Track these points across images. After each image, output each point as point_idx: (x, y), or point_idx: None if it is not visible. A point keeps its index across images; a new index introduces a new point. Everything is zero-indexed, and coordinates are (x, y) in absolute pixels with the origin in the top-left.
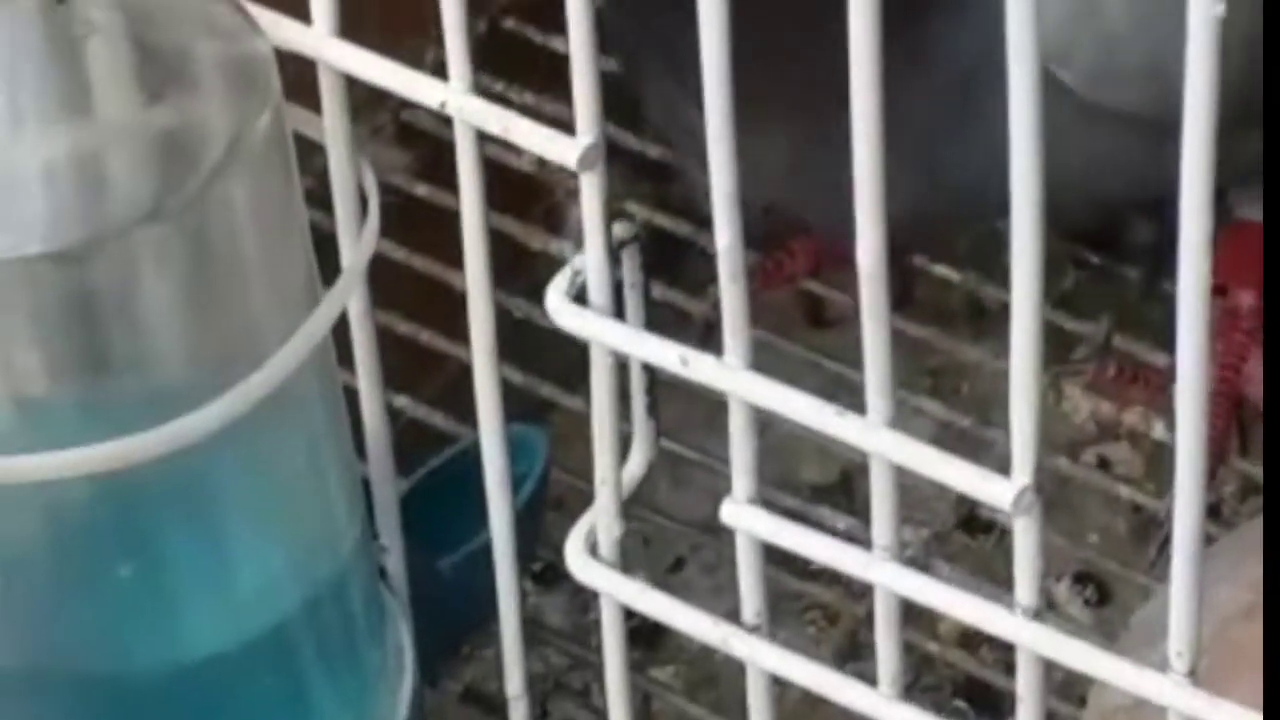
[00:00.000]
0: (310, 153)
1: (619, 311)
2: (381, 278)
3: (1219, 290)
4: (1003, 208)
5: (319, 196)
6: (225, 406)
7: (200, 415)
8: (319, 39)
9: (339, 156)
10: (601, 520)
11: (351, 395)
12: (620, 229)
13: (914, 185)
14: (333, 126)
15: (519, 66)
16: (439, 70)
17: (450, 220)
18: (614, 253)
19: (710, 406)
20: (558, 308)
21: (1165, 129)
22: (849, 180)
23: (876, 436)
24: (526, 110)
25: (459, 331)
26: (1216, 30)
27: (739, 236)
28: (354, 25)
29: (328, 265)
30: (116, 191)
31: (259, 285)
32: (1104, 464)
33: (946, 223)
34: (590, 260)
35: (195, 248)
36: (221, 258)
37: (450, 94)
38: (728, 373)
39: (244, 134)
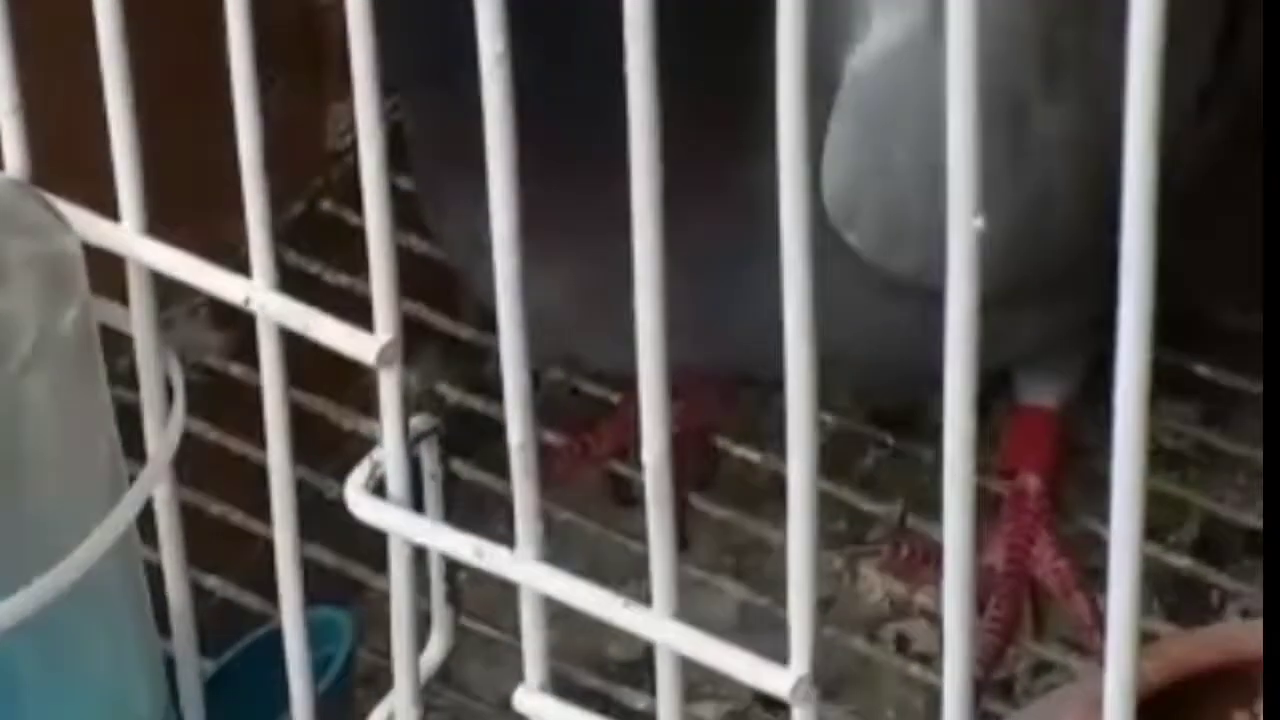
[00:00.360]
0: (122, 334)
1: (420, 500)
2: (194, 458)
3: (1008, 473)
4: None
5: (135, 376)
6: (26, 599)
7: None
8: (128, 236)
9: (145, 349)
10: (399, 706)
11: (158, 571)
12: (419, 421)
13: (696, 341)
14: (140, 321)
15: (335, 247)
16: None
17: (262, 401)
18: (413, 445)
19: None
20: (356, 500)
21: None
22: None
23: (661, 627)
24: (341, 291)
25: (269, 512)
26: (975, 241)
27: (531, 436)
28: (168, 204)
29: (143, 445)
30: None
31: (61, 478)
32: (902, 641)
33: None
34: (389, 453)
35: (1, 441)
36: (24, 451)
37: (254, 291)
38: (520, 564)
39: (51, 329)
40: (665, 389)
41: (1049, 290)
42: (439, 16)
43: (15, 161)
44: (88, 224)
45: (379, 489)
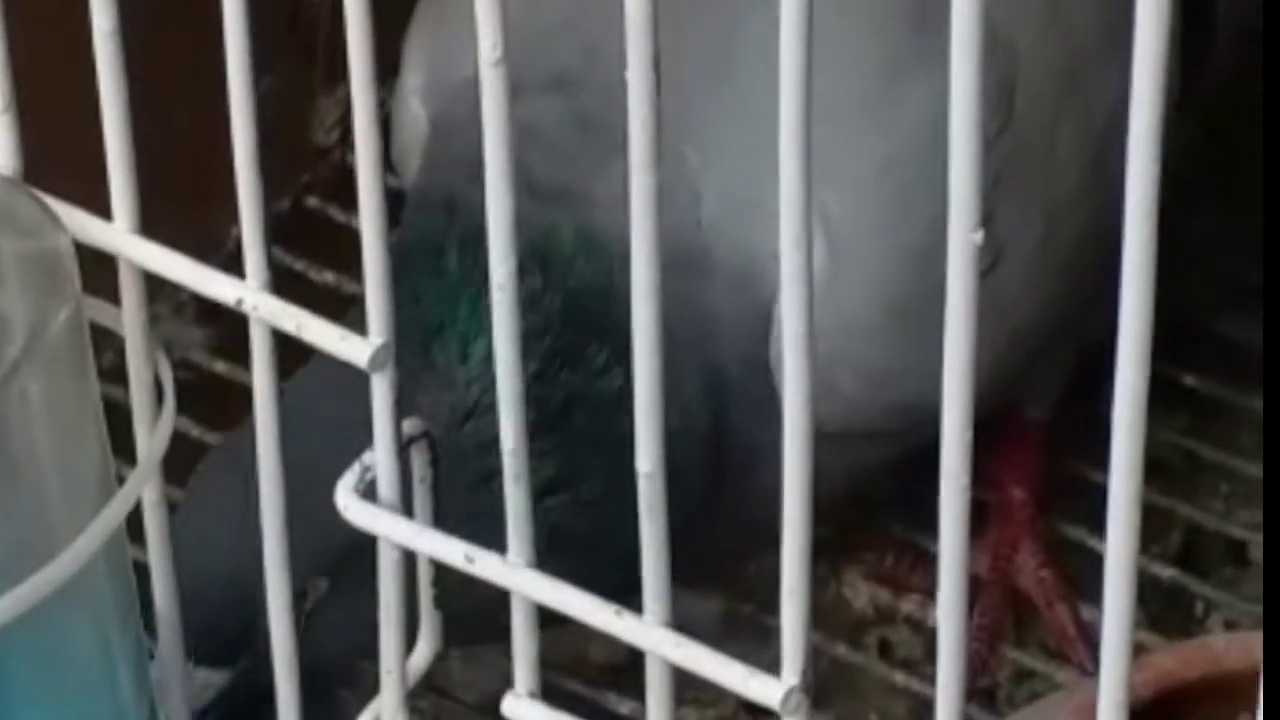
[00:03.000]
0: (109, 331)
1: (409, 505)
2: (176, 454)
3: (994, 483)
4: None
5: (119, 372)
6: (16, 598)
7: None
8: (119, 235)
9: (135, 350)
10: (386, 710)
11: (144, 570)
12: (410, 426)
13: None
14: (131, 320)
15: (320, 244)
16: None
17: (248, 398)
18: (403, 449)
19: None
20: (346, 504)
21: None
22: None
23: (652, 635)
24: (328, 289)
25: None
26: (975, 255)
27: (523, 441)
28: (155, 197)
29: (126, 441)
30: None
31: (52, 477)
32: (885, 647)
33: None
34: (379, 457)
35: None
36: (16, 451)
37: (246, 292)
38: (512, 570)
39: (43, 329)
40: (660, 399)
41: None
42: None
43: (7, 158)
44: (79, 222)
45: (369, 492)
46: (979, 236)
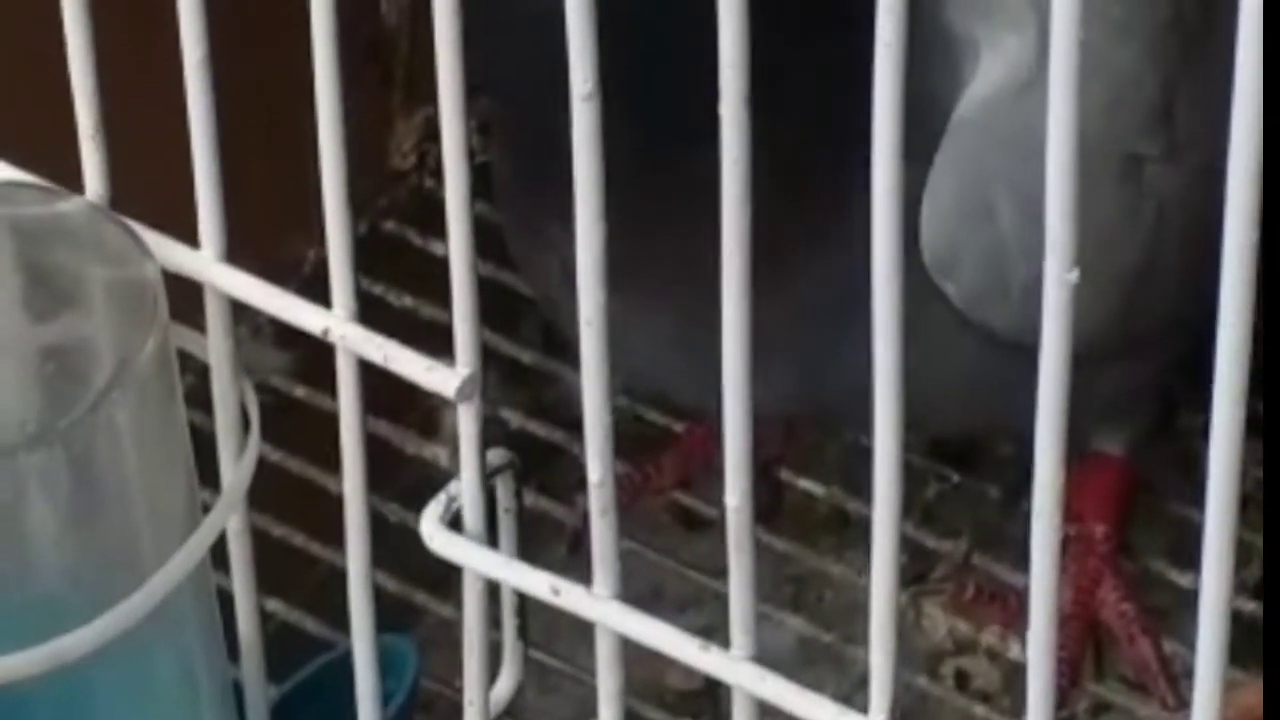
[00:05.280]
0: (189, 353)
1: (493, 534)
2: (255, 479)
3: (1075, 517)
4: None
5: (200, 396)
6: (105, 625)
7: (80, 634)
8: (207, 264)
9: (222, 377)
10: None
11: (224, 596)
12: (495, 456)
13: (788, 389)
14: (217, 348)
15: (398, 269)
16: (321, 271)
17: (326, 422)
18: (488, 479)
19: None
20: (432, 533)
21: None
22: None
23: (739, 670)
24: (405, 315)
25: (331, 534)
26: (1071, 294)
27: (610, 472)
28: (234, 221)
29: (206, 467)
30: (2, 412)
31: (141, 504)
32: (962, 678)
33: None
34: (465, 488)
35: (80, 469)
36: (105, 478)
37: (333, 321)
38: (597, 603)
39: (131, 357)
40: (749, 434)
41: (1137, 346)
42: (540, 47)
43: (95, 185)
44: (167, 250)
45: (454, 522)
46: (1074, 276)
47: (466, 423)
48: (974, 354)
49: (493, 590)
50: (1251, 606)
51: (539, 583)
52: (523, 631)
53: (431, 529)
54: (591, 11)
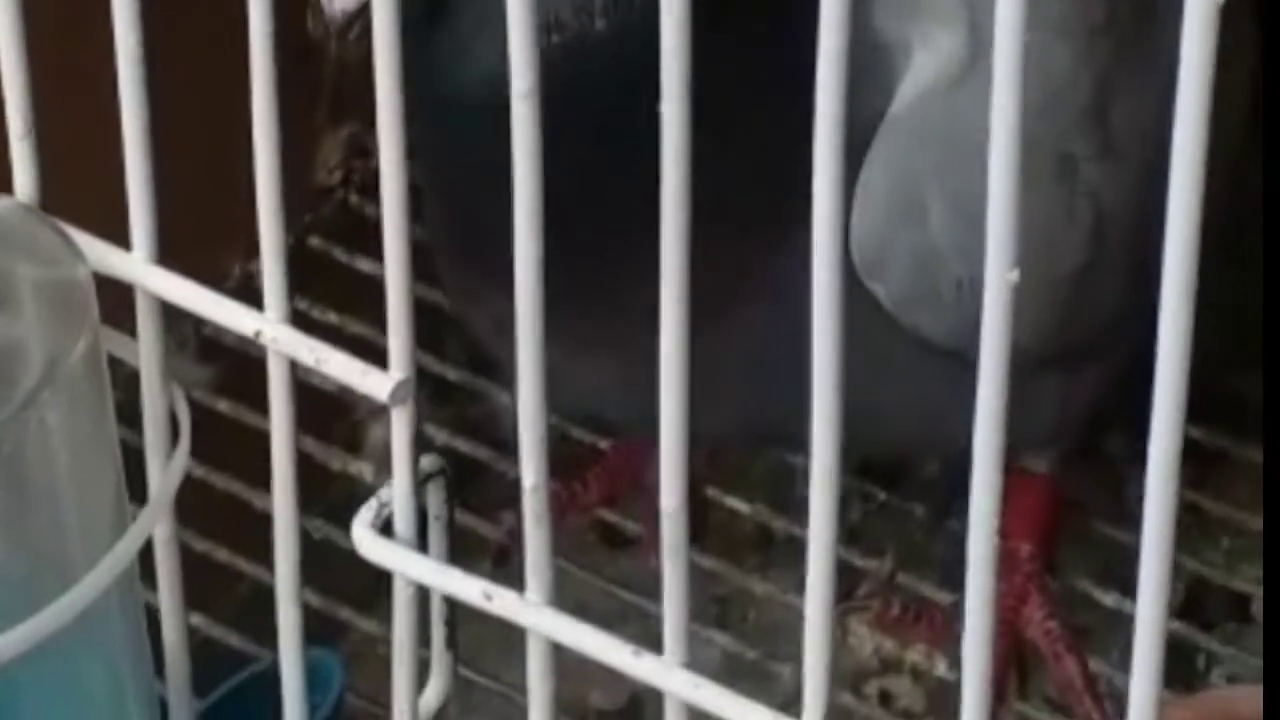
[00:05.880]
0: (115, 365)
1: (422, 543)
2: (178, 492)
3: (1000, 535)
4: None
5: (126, 411)
6: (33, 628)
7: (8, 636)
8: (138, 266)
9: (152, 382)
10: None
11: (149, 612)
12: (427, 462)
13: (727, 424)
14: (148, 353)
15: (323, 285)
16: (248, 282)
17: (249, 437)
18: (420, 486)
19: (505, 630)
20: (362, 538)
21: (968, 367)
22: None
23: (672, 677)
24: (330, 331)
25: (255, 549)
26: (1010, 296)
27: (545, 477)
28: (161, 233)
29: (133, 483)
30: None
31: (70, 506)
32: (886, 697)
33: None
34: (398, 493)
35: (9, 469)
36: (34, 479)
37: (265, 324)
38: (530, 609)
39: (62, 358)
40: (684, 439)
41: (1072, 357)
42: (478, 137)
43: (26, 186)
44: (98, 252)
45: (385, 529)
46: (1015, 276)
47: (400, 427)
48: (910, 369)
49: (421, 601)
50: (1175, 626)
51: (471, 588)
52: (451, 641)
53: (362, 534)
54: (532, 10)
